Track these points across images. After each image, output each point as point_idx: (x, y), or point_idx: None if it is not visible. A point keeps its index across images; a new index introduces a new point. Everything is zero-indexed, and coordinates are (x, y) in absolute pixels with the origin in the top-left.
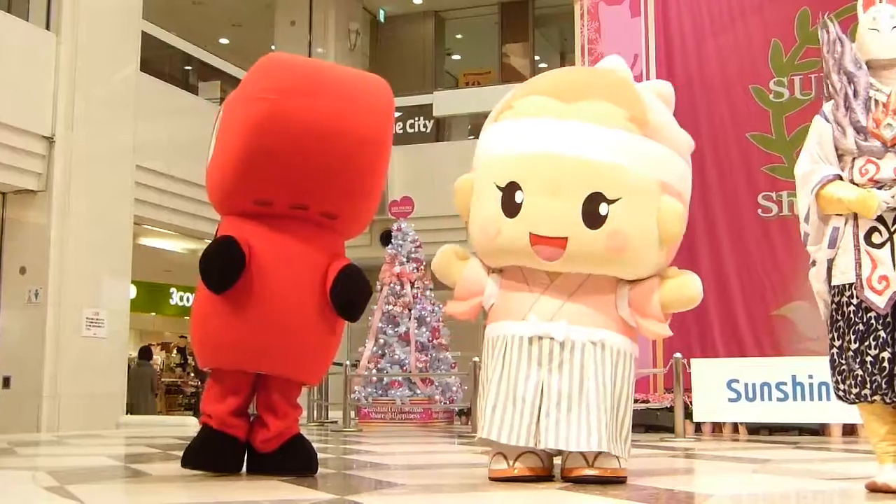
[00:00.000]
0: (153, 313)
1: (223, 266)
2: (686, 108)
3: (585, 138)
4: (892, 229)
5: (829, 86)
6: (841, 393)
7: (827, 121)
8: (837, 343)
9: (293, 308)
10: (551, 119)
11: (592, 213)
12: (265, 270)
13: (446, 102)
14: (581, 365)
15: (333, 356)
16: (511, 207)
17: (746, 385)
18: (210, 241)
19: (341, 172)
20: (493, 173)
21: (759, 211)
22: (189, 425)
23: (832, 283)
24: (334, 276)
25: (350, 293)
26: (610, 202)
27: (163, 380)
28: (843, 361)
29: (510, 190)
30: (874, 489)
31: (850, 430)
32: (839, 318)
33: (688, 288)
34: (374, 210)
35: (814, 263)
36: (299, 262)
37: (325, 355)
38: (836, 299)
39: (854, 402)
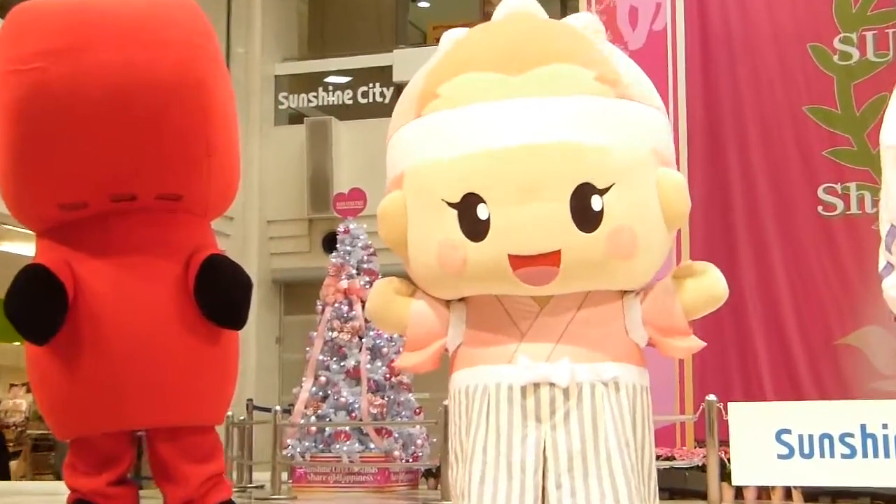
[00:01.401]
0: (17, 342)
1: (35, 310)
2: (723, 71)
3: (553, 116)
4: None
5: None
6: None
7: None
8: None
9: (149, 335)
10: (501, 101)
11: (584, 210)
12: (101, 297)
13: (411, 64)
14: (593, 414)
15: (231, 379)
16: (475, 227)
17: (802, 437)
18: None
19: (158, 138)
20: (436, 187)
21: (820, 208)
22: (63, 493)
23: None
24: (194, 274)
25: (217, 291)
26: (602, 192)
27: (28, 432)
28: None
29: (469, 204)
30: None
31: None
32: None
33: (714, 285)
34: (233, 169)
35: (888, 269)
36: (145, 271)
37: (214, 383)
38: None
39: None
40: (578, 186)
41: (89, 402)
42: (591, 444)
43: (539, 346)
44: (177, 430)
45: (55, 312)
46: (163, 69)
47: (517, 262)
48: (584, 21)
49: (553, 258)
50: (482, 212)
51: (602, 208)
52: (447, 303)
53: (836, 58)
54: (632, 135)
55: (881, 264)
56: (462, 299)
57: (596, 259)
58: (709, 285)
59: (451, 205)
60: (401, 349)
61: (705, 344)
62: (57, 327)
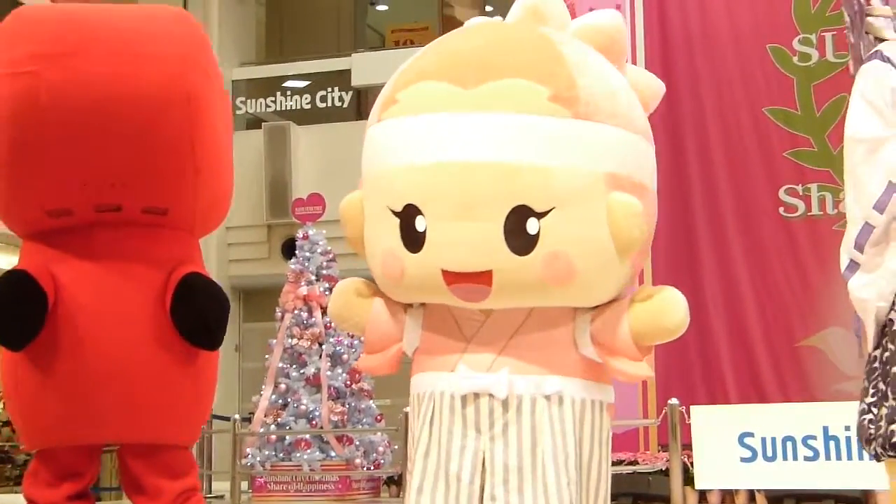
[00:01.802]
0: None
1: (13, 313)
2: (683, 72)
3: (494, 135)
4: None
5: (856, 27)
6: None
7: (887, 61)
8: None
9: (127, 350)
10: (448, 113)
11: (518, 233)
12: (81, 306)
13: (369, 68)
14: (532, 427)
15: (207, 399)
16: (412, 238)
17: (765, 440)
18: None
19: (145, 150)
20: (385, 194)
21: (782, 210)
22: None
23: None
24: (171, 292)
25: (191, 312)
26: (539, 216)
27: None
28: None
29: (408, 215)
30: None
31: None
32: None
33: (667, 313)
34: (223, 185)
35: (853, 268)
36: (126, 284)
37: (189, 402)
38: None
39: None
40: (515, 208)
41: (62, 414)
42: (529, 459)
43: (481, 355)
44: (149, 446)
45: (34, 317)
46: (151, 83)
47: (450, 277)
48: (606, 20)
49: (485, 277)
50: (420, 224)
51: (538, 232)
52: (406, 306)
53: (795, 59)
54: (581, 158)
55: (843, 263)
56: (422, 304)
57: (529, 282)
58: (663, 313)
59: (395, 213)
60: (362, 354)
61: (652, 374)
62: (34, 333)
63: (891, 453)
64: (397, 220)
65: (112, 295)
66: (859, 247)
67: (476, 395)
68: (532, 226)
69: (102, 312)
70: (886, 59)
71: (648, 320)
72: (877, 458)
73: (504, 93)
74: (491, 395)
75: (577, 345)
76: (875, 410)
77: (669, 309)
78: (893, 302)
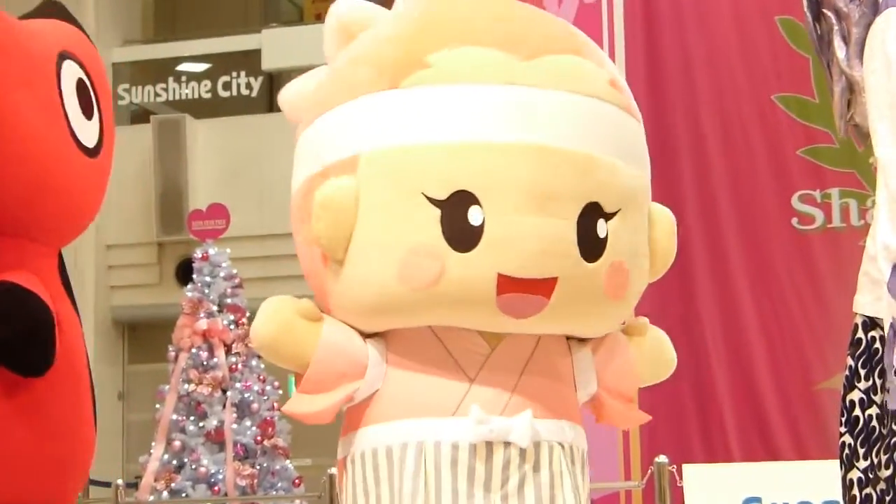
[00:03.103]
0: None
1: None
2: (672, 53)
3: (571, 116)
4: None
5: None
6: None
7: None
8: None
9: None
10: (507, 86)
11: (589, 235)
12: None
13: (284, 47)
14: (550, 481)
15: (59, 447)
16: (463, 233)
17: None
18: None
19: None
20: (419, 177)
21: (795, 220)
22: None
23: None
24: None
25: None
26: (608, 217)
27: None
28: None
29: (459, 204)
30: None
31: None
32: None
33: (665, 345)
34: (37, 176)
35: None
36: None
37: (21, 448)
38: None
39: None
40: (587, 206)
41: None
42: None
43: (492, 395)
44: None
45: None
46: None
47: (507, 284)
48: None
49: (547, 287)
50: (475, 216)
51: (606, 236)
52: (364, 336)
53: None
54: (636, 156)
55: (885, 271)
56: (379, 334)
57: (591, 296)
58: (659, 349)
59: (433, 202)
60: (275, 403)
61: (651, 418)
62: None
63: None
64: (437, 212)
65: None
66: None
67: (488, 445)
68: (601, 228)
69: None
70: None
71: (648, 357)
72: None
73: (568, 69)
74: (506, 444)
75: (577, 384)
76: None
77: (665, 341)
78: None
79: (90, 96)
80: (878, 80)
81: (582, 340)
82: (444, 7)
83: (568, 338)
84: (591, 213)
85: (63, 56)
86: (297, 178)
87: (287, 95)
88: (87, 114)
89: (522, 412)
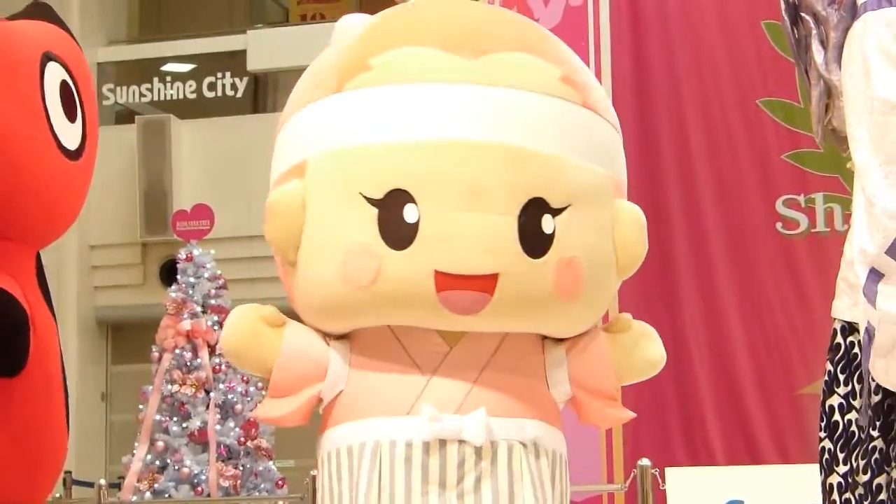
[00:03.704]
0: None
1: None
2: (657, 56)
3: (507, 113)
4: None
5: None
6: None
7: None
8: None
9: None
10: (450, 84)
11: (533, 231)
12: None
13: (270, 48)
14: (509, 479)
15: (34, 445)
16: (399, 231)
17: None
18: None
19: None
20: (357, 177)
21: (780, 225)
22: None
23: None
24: None
25: None
26: (555, 213)
27: None
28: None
29: (394, 202)
30: None
31: None
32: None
33: (651, 343)
34: (22, 172)
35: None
36: None
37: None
38: None
39: None
40: (530, 201)
41: None
42: None
43: (447, 393)
44: None
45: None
46: None
47: (445, 281)
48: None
49: (488, 283)
50: (410, 214)
51: (554, 231)
52: (325, 338)
53: None
54: (594, 152)
55: (860, 275)
56: (344, 336)
57: (538, 292)
58: (643, 346)
59: (371, 201)
60: (259, 404)
61: (634, 415)
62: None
63: None
64: (374, 210)
65: None
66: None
67: (442, 443)
68: (547, 223)
69: None
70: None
71: (633, 353)
72: None
73: (516, 66)
74: (461, 442)
75: (549, 382)
76: None
77: (652, 338)
78: None
79: (74, 99)
80: (855, 85)
81: (560, 340)
82: (396, 14)
83: (545, 337)
84: (535, 209)
85: (47, 57)
86: (271, 184)
87: None
88: (70, 116)
89: (476, 410)
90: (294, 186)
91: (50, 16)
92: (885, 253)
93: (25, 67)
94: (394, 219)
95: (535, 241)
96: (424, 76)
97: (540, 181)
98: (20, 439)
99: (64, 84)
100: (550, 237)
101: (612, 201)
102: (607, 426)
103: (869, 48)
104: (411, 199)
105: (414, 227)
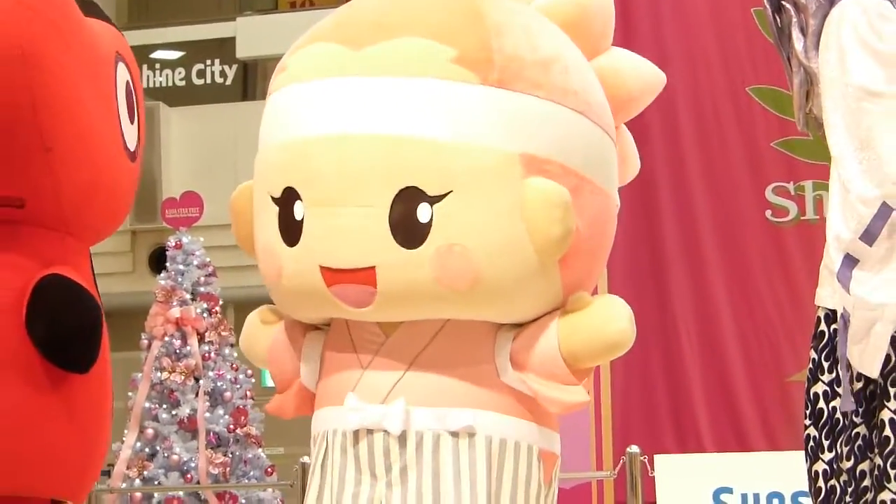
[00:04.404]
0: None
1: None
2: (647, 45)
3: (375, 102)
4: None
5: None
6: None
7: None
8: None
9: None
10: (337, 78)
11: (406, 221)
12: None
13: (258, 35)
14: (434, 471)
15: (92, 440)
16: (290, 228)
17: (746, 497)
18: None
19: None
20: (265, 177)
21: (769, 213)
22: None
23: None
24: (27, 301)
25: (43, 321)
26: (434, 200)
27: None
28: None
29: (288, 201)
30: None
31: None
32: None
33: (609, 321)
34: (101, 174)
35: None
36: None
37: (62, 440)
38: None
39: None
40: (402, 190)
41: None
42: None
43: (377, 383)
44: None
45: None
46: None
47: (330, 276)
48: None
49: (368, 276)
50: (298, 211)
51: (430, 220)
52: (307, 330)
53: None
54: (488, 132)
55: (836, 262)
56: (323, 327)
57: (420, 283)
58: (599, 324)
59: (274, 200)
60: (248, 392)
61: (588, 399)
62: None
63: None
64: (276, 209)
65: None
66: (869, 236)
67: (369, 432)
68: (423, 212)
69: None
70: None
71: (585, 332)
72: None
73: (396, 53)
74: (386, 433)
75: (498, 369)
76: None
77: (610, 315)
78: None
79: (134, 101)
80: (831, 72)
81: (515, 325)
82: (335, 11)
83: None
84: (410, 197)
85: (118, 58)
86: None
87: None
88: (131, 117)
89: (397, 400)
90: (247, 186)
91: (102, 15)
92: (860, 238)
93: (105, 67)
94: (287, 217)
95: (408, 231)
96: (319, 72)
97: (411, 169)
98: (84, 433)
99: (128, 85)
100: (427, 226)
101: (519, 181)
102: (556, 411)
103: (845, 35)
104: (298, 197)
105: (300, 224)
